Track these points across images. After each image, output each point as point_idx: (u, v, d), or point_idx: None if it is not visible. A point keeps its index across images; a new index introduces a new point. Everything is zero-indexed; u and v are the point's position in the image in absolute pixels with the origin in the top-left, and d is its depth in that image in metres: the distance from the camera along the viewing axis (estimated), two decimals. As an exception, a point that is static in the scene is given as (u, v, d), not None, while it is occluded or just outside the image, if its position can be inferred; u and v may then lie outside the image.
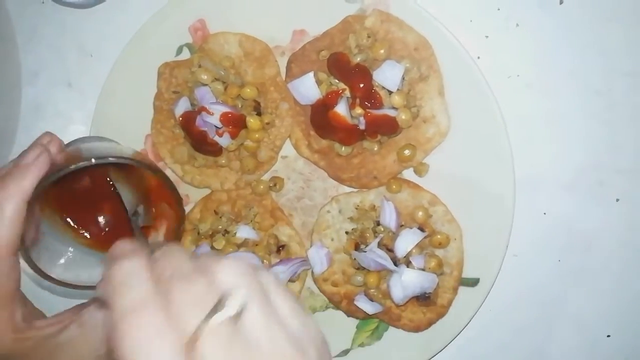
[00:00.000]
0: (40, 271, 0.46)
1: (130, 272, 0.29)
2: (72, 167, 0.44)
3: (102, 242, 0.52)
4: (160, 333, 0.26)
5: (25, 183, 0.44)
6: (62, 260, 0.49)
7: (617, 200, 0.56)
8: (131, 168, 0.50)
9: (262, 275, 0.30)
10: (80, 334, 0.44)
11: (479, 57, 0.56)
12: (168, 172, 0.61)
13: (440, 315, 0.56)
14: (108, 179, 0.51)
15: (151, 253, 0.32)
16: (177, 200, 0.49)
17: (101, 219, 0.53)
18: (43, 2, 0.63)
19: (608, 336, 0.57)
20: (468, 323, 0.56)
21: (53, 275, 0.46)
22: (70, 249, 0.51)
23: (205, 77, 0.57)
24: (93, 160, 0.44)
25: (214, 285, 0.28)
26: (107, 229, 0.52)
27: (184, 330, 0.26)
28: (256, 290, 0.29)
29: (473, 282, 0.56)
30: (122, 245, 0.32)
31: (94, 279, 0.49)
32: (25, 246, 0.44)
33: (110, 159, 0.45)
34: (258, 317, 0.28)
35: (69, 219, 0.51)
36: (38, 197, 0.44)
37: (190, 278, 0.28)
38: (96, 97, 0.60)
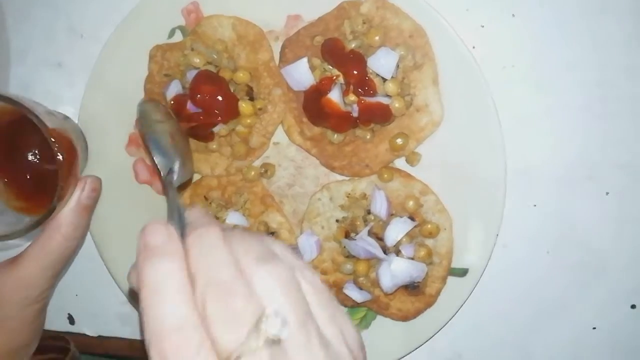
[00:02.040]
0: None
1: (166, 276, 0.28)
2: None
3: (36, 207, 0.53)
4: (199, 355, 0.25)
5: None
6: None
7: (607, 193, 0.56)
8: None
9: (300, 277, 0.29)
10: None
11: (474, 47, 0.55)
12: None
13: (429, 304, 0.56)
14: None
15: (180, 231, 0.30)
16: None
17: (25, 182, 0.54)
18: (33, -19, 0.62)
19: (594, 328, 0.58)
20: (456, 313, 0.56)
21: None
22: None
23: (198, 60, 0.56)
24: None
25: (253, 297, 0.27)
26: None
27: (223, 352, 0.25)
28: (297, 305, 0.28)
29: (462, 272, 0.56)
30: (157, 234, 0.30)
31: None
32: None
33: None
34: (299, 338, 0.27)
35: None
36: None
37: (229, 289, 0.27)
38: (86, 78, 0.60)
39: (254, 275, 0.28)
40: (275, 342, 0.26)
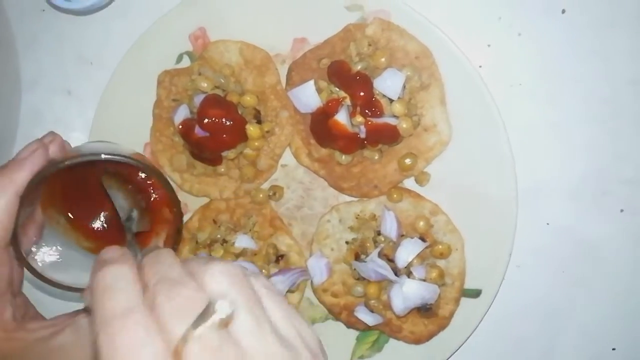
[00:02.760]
0: (35, 271, 0.45)
1: (116, 277, 0.28)
2: (67, 162, 0.43)
3: (100, 247, 0.51)
4: (146, 340, 0.25)
5: (18, 176, 0.43)
6: (62, 263, 0.49)
7: (622, 210, 0.55)
8: (131, 170, 0.49)
9: (254, 279, 0.29)
10: (73, 339, 0.43)
11: (480, 66, 0.55)
12: (167, 181, 0.61)
13: (442, 327, 0.55)
14: (102, 182, 0.51)
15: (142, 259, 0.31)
16: (174, 202, 0.48)
17: (98, 223, 0.52)
18: (44, 10, 0.63)
19: (613, 349, 0.56)
20: (470, 335, 0.55)
21: (51, 277, 0.46)
22: (72, 251, 0.50)
23: (205, 85, 0.57)
24: (81, 158, 0.43)
25: (202, 290, 0.27)
26: (104, 233, 0.51)
27: (171, 337, 0.25)
28: (246, 294, 0.28)
29: (475, 293, 0.55)
30: (110, 251, 0.31)
31: None
32: (19, 244, 0.44)
33: (104, 155, 0.45)
34: (248, 322, 0.27)
35: (71, 222, 0.51)
36: (31, 192, 0.43)
37: (178, 283, 0.27)
38: (96, 105, 0.60)
39: (205, 274, 0.28)
40: (222, 326, 0.26)
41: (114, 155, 0.45)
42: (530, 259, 0.56)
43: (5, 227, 0.42)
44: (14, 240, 0.43)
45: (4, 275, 0.44)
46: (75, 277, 0.47)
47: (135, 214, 0.50)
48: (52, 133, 0.49)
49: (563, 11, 0.54)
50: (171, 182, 0.60)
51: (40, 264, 0.46)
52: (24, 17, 0.63)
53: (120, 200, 0.49)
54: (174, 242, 0.50)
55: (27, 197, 0.43)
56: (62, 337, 0.43)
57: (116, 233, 0.51)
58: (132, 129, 0.60)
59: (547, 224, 0.56)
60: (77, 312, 0.47)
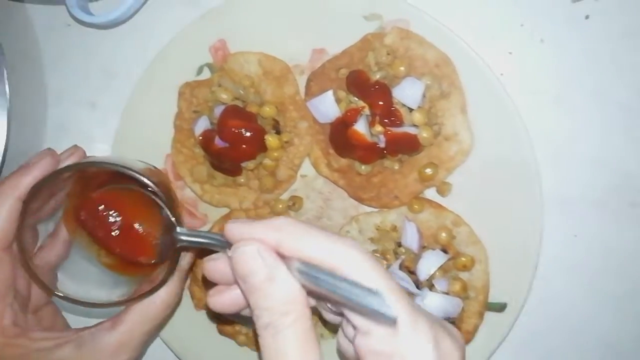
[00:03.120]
0: (37, 279, 0.45)
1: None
2: (74, 168, 0.44)
3: (120, 264, 0.51)
4: None
5: (22, 181, 0.43)
6: (78, 276, 0.49)
7: (653, 221, 0.53)
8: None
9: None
10: (74, 355, 0.43)
11: (502, 74, 0.54)
12: (187, 191, 0.61)
13: (466, 342, 0.54)
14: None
15: None
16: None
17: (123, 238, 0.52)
18: (69, 25, 0.65)
19: (646, 366, 0.54)
20: (495, 350, 0.53)
21: (63, 289, 0.46)
22: (90, 266, 0.50)
23: (225, 96, 0.57)
24: (91, 165, 0.44)
25: None
26: (129, 248, 0.51)
27: None
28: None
29: (500, 307, 0.53)
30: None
31: (111, 299, 0.48)
32: (24, 248, 0.44)
33: (110, 166, 0.44)
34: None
35: (97, 238, 0.50)
36: (34, 197, 0.43)
37: None
38: (119, 117, 0.61)
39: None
40: None
41: (124, 167, 0.45)
42: (557, 272, 0.54)
43: (5, 230, 0.43)
44: (20, 244, 0.44)
45: (3, 278, 0.44)
46: (88, 291, 0.47)
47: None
48: (74, 146, 0.50)
49: (586, 17, 0.53)
50: (192, 194, 0.61)
51: (69, 282, 0.46)
52: (51, 33, 0.65)
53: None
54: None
55: (31, 202, 0.43)
56: (63, 351, 0.43)
57: (143, 248, 0.50)
58: (154, 140, 0.61)
59: (575, 235, 0.54)
60: (82, 329, 0.47)
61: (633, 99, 0.53)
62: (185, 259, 0.52)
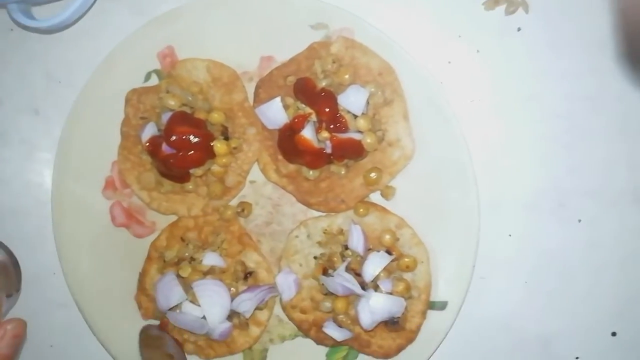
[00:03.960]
0: None
1: None
2: None
3: None
4: None
5: None
6: None
7: (579, 220, 0.56)
8: None
9: None
10: None
11: (442, 82, 0.57)
12: (135, 199, 0.61)
13: (410, 340, 0.55)
14: None
15: None
16: None
17: None
18: (12, 30, 0.63)
19: (577, 358, 0.57)
20: (437, 347, 0.55)
21: None
22: None
23: (173, 102, 0.57)
24: None
25: None
26: None
27: None
28: None
29: (441, 306, 0.55)
30: None
31: None
32: None
33: None
34: None
35: None
36: None
37: None
38: (63, 124, 0.60)
39: None
40: None
41: None
42: (494, 270, 0.57)
43: None
44: None
45: None
46: None
47: None
48: None
49: (519, 29, 0.57)
50: (139, 201, 0.60)
51: None
52: (-9, 36, 0.63)
53: None
54: None
55: None
56: None
57: None
58: (100, 147, 0.60)
59: (509, 235, 0.57)
60: None
61: (562, 106, 0.57)
62: (4, 340, 0.49)
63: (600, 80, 0.56)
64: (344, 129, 0.54)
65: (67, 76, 0.63)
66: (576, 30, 0.56)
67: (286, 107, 0.56)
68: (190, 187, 0.59)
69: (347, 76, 0.55)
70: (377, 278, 0.54)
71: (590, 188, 0.56)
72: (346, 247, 0.56)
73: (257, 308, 0.57)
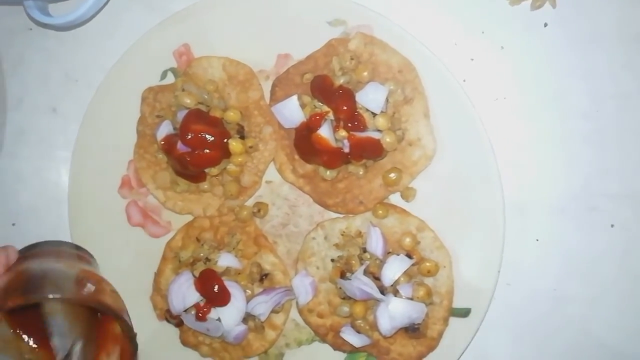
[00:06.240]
0: None
1: None
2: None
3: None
4: None
5: None
6: None
7: (612, 225, 0.54)
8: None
9: None
10: None
11: (464, 80, 0.55)
12: (150, 198, 0.60)
13: (431, 348, 0.53)
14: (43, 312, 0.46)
15: None
16: (122, 318, 0.45)
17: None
18: (31, 29, 0.63)
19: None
20: (460, 356, 0.53)
21: None
22: None
23: (189, 100, 0.57)
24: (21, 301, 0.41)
25: None
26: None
27: None
28: None
29: (464, 313, 0.53)
30: None
31: None
32: None
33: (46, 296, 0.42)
34: None
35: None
36: None
37: None
38: (80, 123, 0.60)
39: None
40: None
41: (53, 297, 0.43)
42: (520, 277, 0.55)
43: None
44: None
45: None
46: None
47: (78, 348, 0.46)
48: (2, 250, 0.47)
49: (545, 25, 0.54)
50: (155, 200, 0.60)
51: None
52: (12, 37, 0.64)
53: (64, 329, 0.46)
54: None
55: None
56: None
57: None
58: (116, 146, 0.60)
59: (537, 240, 0.55)
60: None
61: (590, 104, 0.54)
62: None
63: (632, 76, 0.53)
64: (362, 127, 0.52)
65: (84, 75, 0.63)
66: (607, 24, 0.54)
67: (303, 105, 0.55)
68: (206, 186, 0.58)
69: (365, 73, 0.53)
70: (396, 282, 0.52)
71: (623, 191, 0.54)
72: (364, 250, 0.54)
73: (273, 311, 0.56)
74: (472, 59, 0.56)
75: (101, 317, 0.47)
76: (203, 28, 0.57)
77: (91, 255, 0.53)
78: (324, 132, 0.53)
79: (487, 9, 0.55)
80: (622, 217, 0.54)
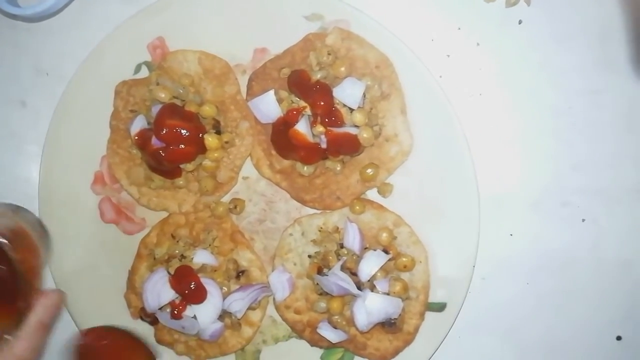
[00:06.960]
0: None
1: None
2: None
3: None
4: None
5: None
6: None
7: (584, 220, 0.55)
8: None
9: None
10: None
11: (441, 76, 0.55)
12: (124, 194, 0.59)
13: (407, 342, 0.54)
14: None
15: None
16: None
17: None
18: (-2, 21, 0.61)
19: (580, 363, 0.55)
20: (436, 350, 0.53)
21: None
22: None
23: (163, 95, 0.56)
24: None
25: None
26: None
27: None
28: None
29: (440, 307, 0.53)
30: None
31: None
32: None
33: None
34: None
35: None
36: None
37: None
38: (51, 117, 0.58)
39: None
40: None
41: None
42: (495, 271, 0.55)
43: None
44: None
45: None
46: None
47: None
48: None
49: (520, 22, 0.55)
50: (129, 196, 0.59)
51: None
52: (-22, 27, 0.62)
53: None
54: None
55: None
56: None
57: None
58: (88, 141, 0.59)
59: (511, 234, 0.56)
60: None
61: (565, 101, 0.55)
62: (47, 310, 0.47)
63: (605, 74, 0.54)
64: (340, 123, 0.52)
65: (55, 68, 0.61)
66: (580, 23, 0.54)
67: (280, 100, 0.54)
68: (181, 182, 0.57)
69: (343, 69, 0.53)
70: (373, 278, 0.52)
71: (595, 186, 0.54)
72: (342, 246, 0.54)
73: (250, 308, 0.55)
74: (449, 55, 0.56)
75: None
76: (178, 21, 0.56)
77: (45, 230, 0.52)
78: (301, 127, 0.52)
79: (463, 5, 0.55)
80: (592, 212, 0.55)
